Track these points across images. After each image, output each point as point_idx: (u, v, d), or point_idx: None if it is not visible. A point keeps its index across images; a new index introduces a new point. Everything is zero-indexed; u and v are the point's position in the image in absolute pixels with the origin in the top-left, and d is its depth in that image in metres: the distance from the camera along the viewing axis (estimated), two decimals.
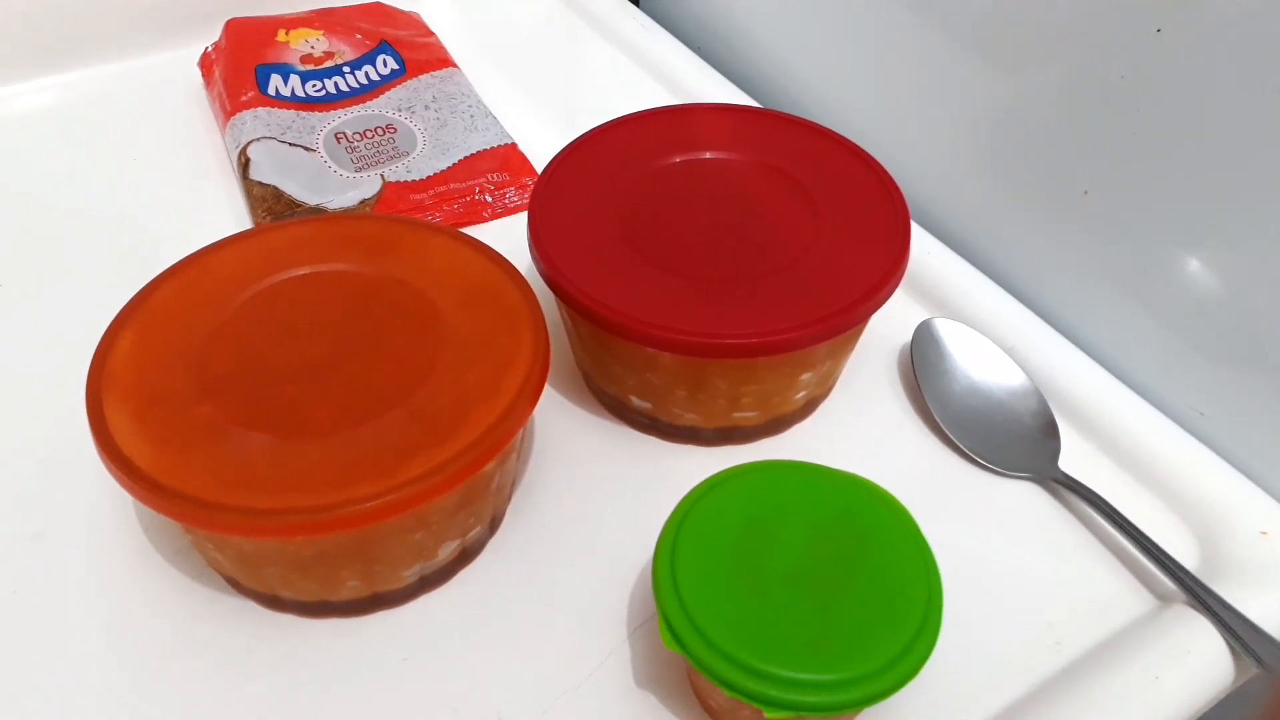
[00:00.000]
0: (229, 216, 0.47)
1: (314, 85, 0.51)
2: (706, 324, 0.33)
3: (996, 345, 0.41)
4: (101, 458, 0.29)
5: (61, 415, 0.36)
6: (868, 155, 0.41)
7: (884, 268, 0.36)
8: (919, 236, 0.46)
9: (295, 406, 0.30)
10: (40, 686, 0.30)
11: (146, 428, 0.29)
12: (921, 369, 0.40)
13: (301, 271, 0.35)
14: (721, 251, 0.36)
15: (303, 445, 0.29)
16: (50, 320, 0.42)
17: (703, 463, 0.38)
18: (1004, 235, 0.45)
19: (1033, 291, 0.44)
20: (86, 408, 0.30)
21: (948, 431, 0.38)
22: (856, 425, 0.39)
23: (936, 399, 0.39)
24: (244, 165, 0.47)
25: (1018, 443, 0.38)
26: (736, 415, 0.37)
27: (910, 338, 0.41)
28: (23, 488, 0.36)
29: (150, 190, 0.48)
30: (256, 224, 0.45)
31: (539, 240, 0.36)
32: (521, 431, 0.31)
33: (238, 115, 0.49)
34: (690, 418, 0.37)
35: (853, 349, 0.39)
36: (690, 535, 0.29)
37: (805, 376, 0.37)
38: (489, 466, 0.30)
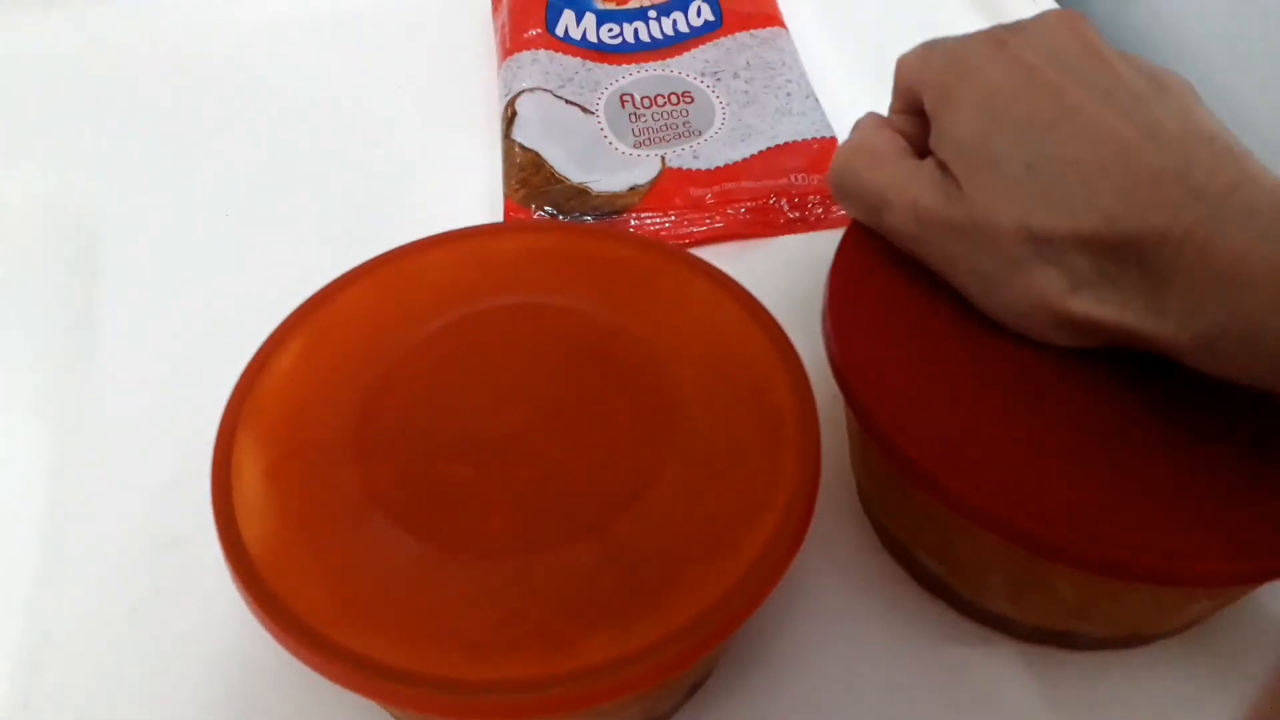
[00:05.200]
0: (481, 174, 0.39)
1: (610, 30, 0.43)
2: (1074, 509, 0.22)
3: None
4: (215, 522, 0.22)
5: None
6: None
7: None
8: None
9: (462, 500, 0.22)
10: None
11: (275, 488, 0.22)
12: None
13: (523, 299, 0.26)
14: (1139, 392, 0.24)
15: (455, 566, 0.21)
16: (254, 269, 0.36)
17: (1013, 664, 0.26)
18: None
19: None
20: (216, 444, 0.23)
21: None
22: (1245, 661, 0.26)
23: None
24: (509, 119, 0.39)
25: None
26: (1075, 624, 0.25)
27: None
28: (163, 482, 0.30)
29: (406, 131, 0.41)
30: (509, 192, 0.37)
31: (838, 313, 0.26)
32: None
33: (516, 55, 0.41)
34: (1003, 606, 0.26)
35: None
36: None
37: (1201, 605, 0.24)
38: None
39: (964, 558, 0.25)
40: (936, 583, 0.27)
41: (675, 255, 0.28)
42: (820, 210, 0.38)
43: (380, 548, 0.21)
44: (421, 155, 0.40)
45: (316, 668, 0.20)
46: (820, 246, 0.36)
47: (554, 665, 0.19)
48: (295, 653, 0.20)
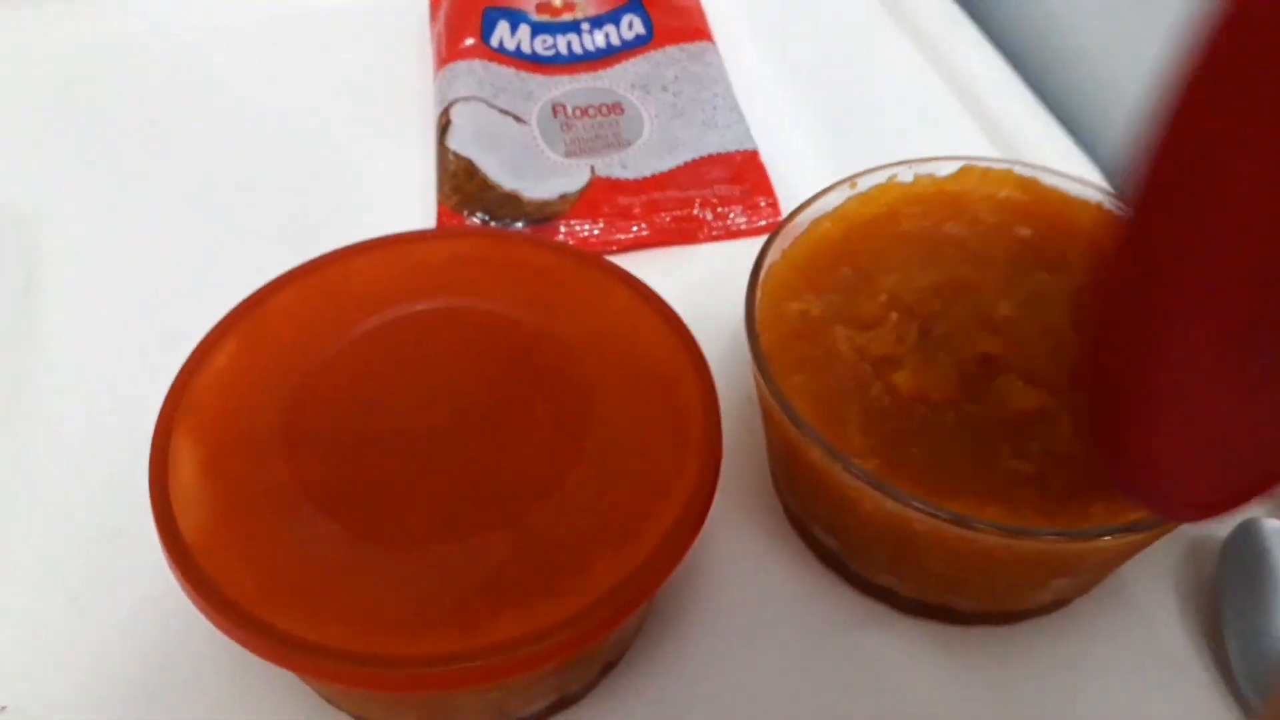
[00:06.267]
0: (416, 181, 0.41)
1: (544, 41, 0.44)
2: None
3: None
4: (153, 515, 0.23)
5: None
6: None
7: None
8: None
9: (386, 493, 0.24)
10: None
11: (209, 481, 0.24)
12: (1230, 588, 0.29)
13: (449, 303, 0.28)
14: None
15: (378, 554, 0.23)
16: (189, 271, 0.37)
17: (895, 635, 0.29)
18: None
19: None
20: (153, 440, 0.24)
21: (1245, 688, 0.27)
22: (1116, 645, 0.29)
23: (1241, 638, 0.28)
24: (443, 127, 0.41)
25: None
26: (950, 597, 0.28)
27: (1224, 538, 0.30)
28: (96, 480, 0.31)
29: (342, 134, 0.43)
30: (442, 198, 0.39)
31: None
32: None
33: (451, 65, 0.43)
34: (887, 578, 0.28)
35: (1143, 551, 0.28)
36: None
37: (1059, 581, 0.26)
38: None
39: (851, 531, 0.27)
40: (831, 557, 0.29)
41: (595, 262, 0.30)
42: (742, 220, 0.40)
43: (308, 536, 0.23)
44: (358, 160, 0.42)
45: (246, 645, 0.21)
46: (739, 253, 0.38)
47: (465, 643, 0.21)
48: (227, 631, 0.21)
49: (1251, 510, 0.30)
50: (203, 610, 0.22)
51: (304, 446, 0.25)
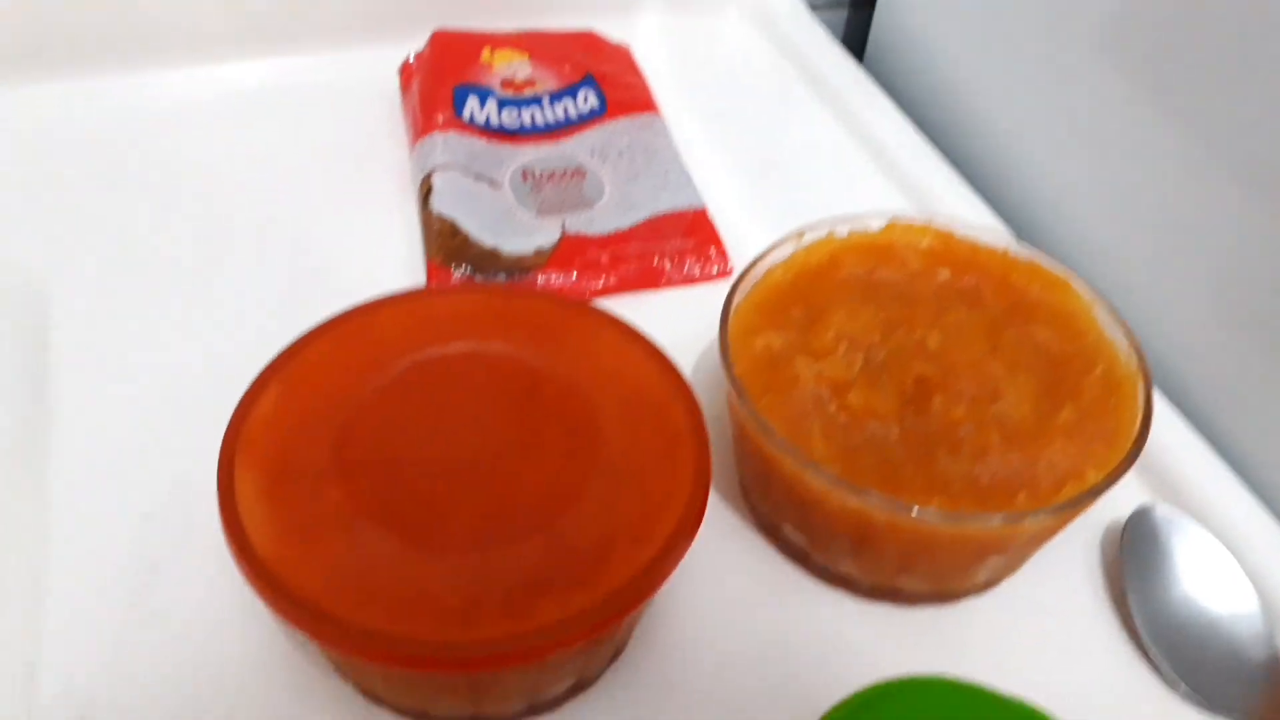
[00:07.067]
0: (403, 244, 0.45)
1: (510, 114, 0.49)
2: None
3: (1229, 551, 0.34)
4: (225, 535, 0.27)
5: (191, 458, 0.33)
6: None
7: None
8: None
9: (430, 509, 0.28)
10: None
11: (274, 506, 0.27)
12: (1131, 564, 0.34)
13: (464, 347, 0.32)
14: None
15: (429, 559, 0.27)
16: (202, 334, 0.40)
17: (854, 617, 0.33)
18: (1266, 421, 0.38)
19: None
20: (218, 471, 0.28)
21: (1148, 645, 0.33)
22: (1040, 616, 0.34)
23: (1143, 604, 0.34)
24: (425, 193, 0.45)
25: (1232, 675, 0.32)
26: (901, 580, 0.33)
27: (1124, 522, 0.35)
28: (142, 526, 0.34)
29: (329, 203, 0.47)
30: (430, 258, 0.43)
31: None
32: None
33: (428, 137, 0.47)
34: (847, 566, 0.33)
35: (1058, 533, 0.34)
36: None
37: (993, 560, 0.32)
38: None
39: (817, 526, 0.32)
40: (798, 552, 0.34)
41: (583, 307, 0.34)
42: (696, 269, 0.45)
43: (366, 547, 0.27)
44: (350, 224, 0.46)
45: (318, 636, 0.25)
46: (695, 297, 0.44)
47: (517, 626, 0.25)
48: (313, 632, 0.25)
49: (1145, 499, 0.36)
50: (278, 610, 0.25)
51: (355, 472, 0.28)
